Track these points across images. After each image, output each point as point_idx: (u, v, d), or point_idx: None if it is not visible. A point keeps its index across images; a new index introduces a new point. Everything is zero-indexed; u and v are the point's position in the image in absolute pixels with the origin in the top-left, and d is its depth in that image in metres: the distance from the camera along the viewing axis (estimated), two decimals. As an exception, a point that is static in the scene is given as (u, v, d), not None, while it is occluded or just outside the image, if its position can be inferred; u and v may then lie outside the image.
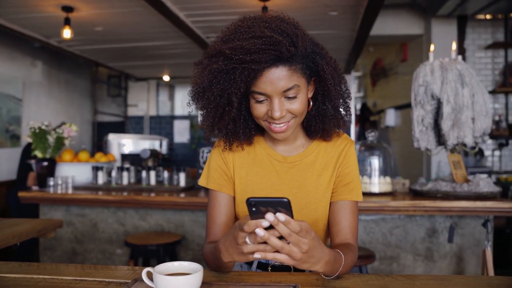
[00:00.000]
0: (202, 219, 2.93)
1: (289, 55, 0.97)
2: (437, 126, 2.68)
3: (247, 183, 1.16)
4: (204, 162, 3.24)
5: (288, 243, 0.80)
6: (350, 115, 1.14)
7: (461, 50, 5.12)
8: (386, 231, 2.71)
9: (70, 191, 2.95)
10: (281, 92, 1.00)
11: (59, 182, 2.99)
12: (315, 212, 1.14)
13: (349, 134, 2.41)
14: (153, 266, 0.89)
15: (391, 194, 2.68)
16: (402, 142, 5.95)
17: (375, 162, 2.75)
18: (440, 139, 2.69)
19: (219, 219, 1.16)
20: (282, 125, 1.05)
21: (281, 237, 0.80)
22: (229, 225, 1.18)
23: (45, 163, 3.02)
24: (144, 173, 3.10)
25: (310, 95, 1.10)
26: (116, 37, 4.35)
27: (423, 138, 2.70)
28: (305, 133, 1.20)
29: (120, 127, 6.90)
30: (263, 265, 1.18)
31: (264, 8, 3.17)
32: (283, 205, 0.78)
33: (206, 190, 3.15)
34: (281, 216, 0.77)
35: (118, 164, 3.68)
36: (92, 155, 3.54)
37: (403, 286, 0.95)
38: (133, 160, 3.78)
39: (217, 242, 0.97)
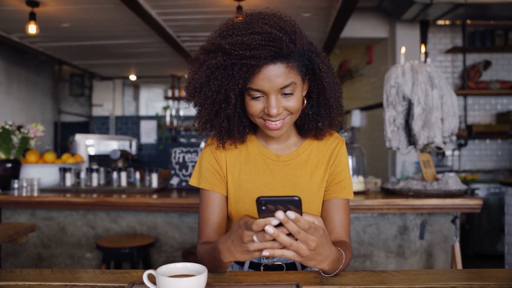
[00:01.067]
0: (175, 221, 2.88)
1: (288, 51, 0.97)
2: (408, 127, 2.77)
3: (240, 182, 1.15)
4: (177, 163, 3.19)
5: (296, 240, 0.80)
6: (343, 114, 1.15)
7: (425, 54, 5.31)
8: (360, 229, 2.76)
9: (36, 193, 2.82)
10: (279, 89, 1.00)
11: (24, 184, 2.85)
12: (308, 210, 1.14)
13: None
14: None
15: (364, 193, 2.73)
16: (368, 142, 6.10)
17: (349, 161, 2.79)
18: (411, 139, 2.77)
19: (212, 219, 1.14)
20: (277, 122, 1.05)
21: (289, 234, 0.80)
22: (222, 225, 1.16)
23: (9, 165, 2.88)
24: (115, 174, 3.01)
25: (304, 93, 1.11)
26: (83, 34, 4.21)
27: (395, 138, 2.77)
28: (297, 132, 1.20)
29: (84, 128, 6.67)
30: (255, 265, 1.17)
31: (239, 8, 3.16)
32: (293, 203, 0.78)
33: (180, 191, 3.13)
34: (291, 214, 0.77)
35: (86, 165, 3.56)
36: (56, 156, 3.40)
37: (400, 281, 0.97)
38: (101, 161, 3.68)
39: (215, 242, 0.95)
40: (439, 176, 2.68)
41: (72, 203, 2.74)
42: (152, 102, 8.33)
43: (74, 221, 2.92)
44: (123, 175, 3.04)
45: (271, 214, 0.79)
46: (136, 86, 7.30)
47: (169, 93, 6.85)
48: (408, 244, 2.74)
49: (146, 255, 2.75)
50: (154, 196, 2.80)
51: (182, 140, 6.61)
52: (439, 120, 2.62)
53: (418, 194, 2.57)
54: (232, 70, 0.98)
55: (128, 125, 6.85)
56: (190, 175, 3.16)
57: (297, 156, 1.17)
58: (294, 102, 1.04)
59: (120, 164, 3.29)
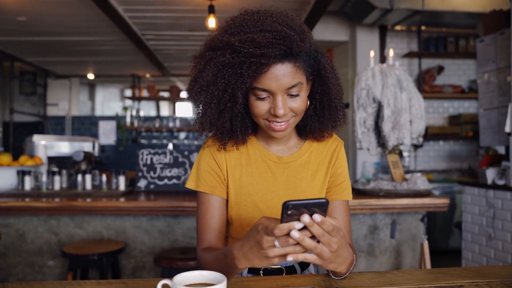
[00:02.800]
0: (145, 225, 2.78)
1: (298, 51, 0.95)
2: (377, 128, 2.84)
3: (241, 184, 1.12)
4: (144, 165, 3.09)
5: (318, 243, 0.79)
6: (345, 115, 1.15)
7: (382, 58, 5.49)
8: (332, 229, 2.79)
9: (-8, 198, 2.63)
10: (286, 89, 0.98)
11: (-21, 188, 2.65)
12: None
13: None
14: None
15: (336, 194, 2.77)
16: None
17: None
18: (380, 140, 2.85)
19: (213, 224, 1.10)
20: (283, 123, 1.03)
21: (311, 237, 0.78)
22: (223, 229, 1.12)
23: (-39, 168, 2.66)
24: (79, 177, 2.87)
25: (307, 94, 1.09)
26: (41, 29, 3.96)
27: (365, 139, 2.83)
28: (297, 133, 1.18)
29: (37, 128, 6.31)
30: (254, 269, 1.14)
31: (211, 7, 3.11)
32: (321, 206, 0.76)
33: (148, 193, 3.03)
34: (318, 217, 0.76)
35: (45, 168, 3.36)
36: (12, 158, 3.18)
37: (407, 281, 0.98)
38: (60, 163, 3.49)
39: (228, 248, 0.92)
40: (407, 176, 2.77)
41: (33, 208, 2.58)
42: (108, 102, 8.04)
43: (35, 228, 2.75)
44: (88, 177, 2.90)
45: (294, 218, 0.77)
46: (91, 86, 7.02)
47: (127, 93, 6.64)
48: (378, 243, 2.81)
49: (114, 261, 2.64)
50: (122, 199, 2.70)
51: (143, 141, 6.42)
52: (408, 122, 2.71)
53: (389, 194, 2.63)
54: (240, 69, 0.95)
55: (85, 126, 6.56)
56: (158, 177, 3.08)
57: (298, 157, 1.15)
58: (300, 103, 1.02)
59: (83, 166, 3.13)
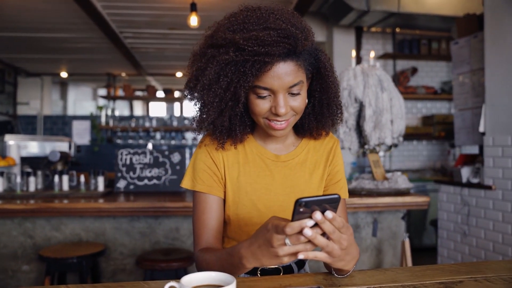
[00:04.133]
0: (125, 226, 2.72)
1: (302, 49, 0.95)
2: (359, 128, 2.87)
3: (239, 184, 1.10)
4: (123, 165, 3.02)
5: (329, 240, 0.78)
6: (342, 114, 1.15)
7: (358, 59, 5.57)
8: (314, 228, 2.80)
9: (-38, 201, 2.51)
10: (287, 87, 0.97)
11: None
12: None
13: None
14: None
15: (318, 193, 2.78)
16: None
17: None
18: (361, 140, 2.88)
19: (211, 224, 1.08)
20: (283, 122, 1.02)
21: (322, 234, 0.77)
22: (220, 229, 1.10)
23: None
24: (56, 178, 2.78)
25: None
26: (12, 24, 3.79)
27: (347, 139, 2.86)
28: (293, 131, 1.18)
29: (6, 128, 6.06)
30: (251, 270, 1.12)
31: (193, 5, 3.06)
32: (332, 202, 0.75)
33: (127, 194, 2.96)
34: (330, 213, 0.75)
35: (18, 168, 3.24)
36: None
37: (408, 278, 0.99)
38: (34, 163, 3.37)
39: (234, 247, 0.90)
40: (388, 175, 2.81)
41: (7, 211, 2.49)
42: (81, 101, 7.83)
43: (8, 231, 2.64)
44: (65, 178, 2.81)
45: (305, 215, 0.76)
46: (63, 84, 6.80)
47: (101, 92, 6.47)
48: (359, 242, 2.84)
49: (94, 264, 2.56)
50: (101, 200, 2.63)
51: (119, 141, 6.27)
52: (389, 122, 2.75)
53: (371, 193, 2.67)
54: (243, 67, 0.93)
55: (58, 126, 6.34)
56: (138, 178, 3.01)
57: (295, 156, 1.14)
58: (300, 101, 1.01)
59: (59, 166, 3.03)
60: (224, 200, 1.12)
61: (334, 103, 1.10)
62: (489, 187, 3.17)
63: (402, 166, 5.80)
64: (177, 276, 2.35)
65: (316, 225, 0.76)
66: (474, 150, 4.04)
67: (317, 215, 0.74)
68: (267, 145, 1.14)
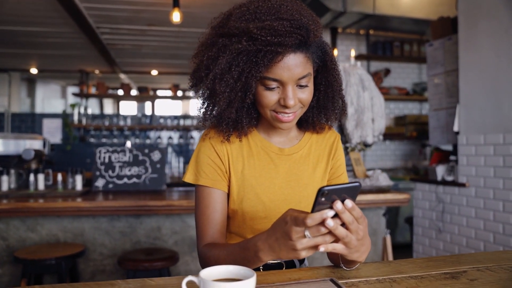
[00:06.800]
0: (105, 226, 2.65)
1: (313, 40, 0.94)
2: (340, 126, 2.90)
3: (244, 177, 1.09)
4: (102, 163, 2.94)
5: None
6: (346, 107, 1.15)
7: (333, 60, 5.64)
8: (297, 226, 2.82)
9: None
10: (296, 79, 0.96)
11: None
12: (311, 205, 1.12)
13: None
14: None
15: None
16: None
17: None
18: (343, 138, 2.91)
19: (216, 219, 1.06)
20: (290, 114, 1.01)
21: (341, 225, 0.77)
22: (225, 224, 1.08)
23: None
24: (31, 177, 2.67)
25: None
26: (-22, 16, 3.63)
27: (329, 137, 2.88)
28: (296, 125, 1.17)
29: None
30: (253, 265, 1.11)
31: (176, 1, 3.01)
32: (352, 191, 0.75)
33: (106, 193, 2.88)
34: (349, 203, 0.75)
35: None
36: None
37: (413, 269, 1.00)
38: (3, 162, 3.22)
39: (248, 240, 0.88)
40: (369, 173, 2.86)
41: (-21, 211, 2.37)
42: (49, 99, 7.57)
43: (-20, 232, 2.52)
44: (41, 177, 2.71)
45: (325, 206, 0.75)
46: (31, 81, 6.55)
47: (73, 90, 6.28)
48: (341, 239, 2.87)
49: (72, 265, 2.48)
50: (79, 199, 2.55)
51: (92, 140, 6.10)
52: (370, 120, 2.80)
53: (353, 190, 2.70)
54: (255, 57, 0.91)
55: (27, 123, 6.10)
56: (117, 176, 2.94)
57: (299, 149, 1.14)
58: (308, 94, 1.01)
59: (33, 165, 2.92)
60: (228, 194, 1.10)
61: (339, 97, 1.10)
62: (463, 185, 3.28)
63: (375, 166, 5.91)
64: (161, 276, 2.30)
65: (335, 215, 0.75)
66: (448, 148, 4.17)
67: (339, 204, 0.74)
68: (271, 138, 1.13)
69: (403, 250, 4.76)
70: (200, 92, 1.02)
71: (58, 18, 3.56)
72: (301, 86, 0.99)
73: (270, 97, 0.98)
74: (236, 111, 1.02)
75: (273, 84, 0.97)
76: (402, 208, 5.19)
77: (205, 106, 1.03)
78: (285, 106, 0.98)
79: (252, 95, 0.98)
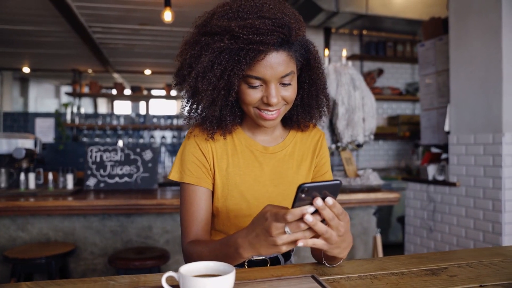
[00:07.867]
0: (96, 225, 2.64)
1: (295, 39, 0.95)
2: (331, 126, 2.92)
3: (228, 175, 1.09)
4: (93, 162, 2.94)
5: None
6: (329, 106, 1.16)
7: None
8: (288, 225, 2.83)
9: None
10: (279, 77, 0.97)
11: None
12: None
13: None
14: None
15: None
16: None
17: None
18: (334, 138, 2.93)
19: (200, 216, 1.07)
20: (274, 112, 1.02)
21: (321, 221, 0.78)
22: (209, 221, 1.09)
23: None
24: (22, 176, 2.66)
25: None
26: (-30, 15, 3.61)
27: (320, 136, 2.90)
28: (281, 123, 1.18)
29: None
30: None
31: (167, 0, 3.01)
32: (334, 188, 0.76)
33: (97, 192, 2.87)
34: (330, 200, 0.76)
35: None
36: None
37: (396, 266, 1.01)
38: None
39: (229, 237, 0.89)
40: (360, 172, 2.88)
41: (-31, 210, 2.36)
42: (42, 99, 7.55)
43: (-30, 231, 2.51)
44: (31, 176, 2.70)
45: (305, 202, 0.76)
46: (24, 81, 6.52)
47: (66, 89, 6.25)
48: (332, 237, 2.88)
49: (63, 264, 2.48)
50: (70, 198, 2.54)
51: (85, 139, 6.08)
52: (361, 120, 2.81)
53: (343, 190, 2.72)
54: (237, 55, 0.92)
55: (19, 123, 6.08)
56: (109, 176, 2.94)
57: (284, 147, 1.15)
58: (291, 92, 1.02)
59: (24, 164, 2.91)
60: (213, 192, 1.11)
61: (323, 95, 1.11)
62: (453, 184, 3.30)
63: (368, 165, 5.93)
64: (152, 275, 2.30)
65: (315, 212, 0.76)
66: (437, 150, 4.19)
67: (319, 201, 0.75)
68: (256, 136, 1.14)
69: (395, 249, 4.79)
70: (184, 90, 1.03)
71: (50, 17, 3.56)
72: (284, 84, 1.00)
73: (253, 95, 0.99)
74: (220, 109, 1.03)
75: (256, 83, 0.98)
76: (394, 208, 5.22)
77: (189, 104, 1.04)
78: (268, 104, 0.99)
79: (235, 93, 0.99)
